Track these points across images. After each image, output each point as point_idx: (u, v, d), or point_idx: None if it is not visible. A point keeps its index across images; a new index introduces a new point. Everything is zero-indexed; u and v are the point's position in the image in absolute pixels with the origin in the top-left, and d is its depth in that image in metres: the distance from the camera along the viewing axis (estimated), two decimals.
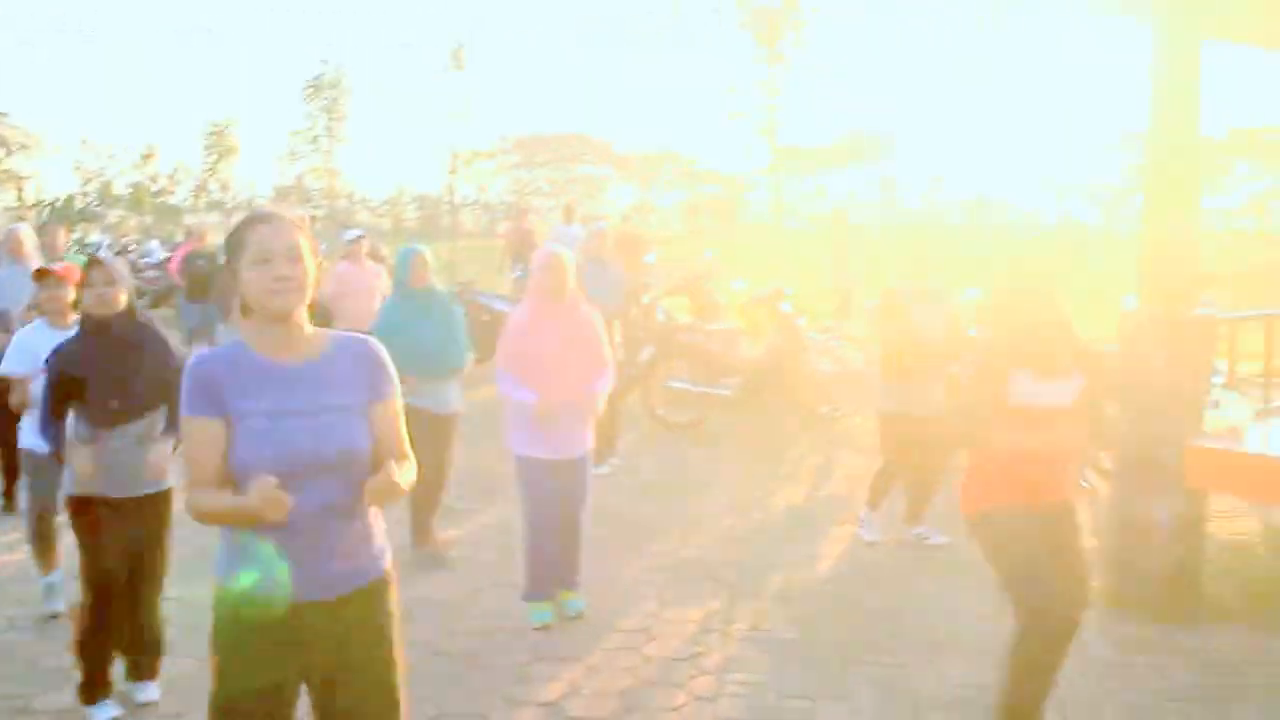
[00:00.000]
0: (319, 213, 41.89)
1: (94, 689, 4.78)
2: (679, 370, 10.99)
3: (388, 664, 2.95)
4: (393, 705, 2.96)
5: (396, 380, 2.97)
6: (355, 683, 2.90)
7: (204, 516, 2.72)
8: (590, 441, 5.93)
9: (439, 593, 6.36)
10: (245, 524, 2.69)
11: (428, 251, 7.14)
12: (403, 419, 2.98)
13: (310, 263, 2.78)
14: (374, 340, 2.99)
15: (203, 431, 2.73)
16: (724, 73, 47.99)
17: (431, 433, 6.63)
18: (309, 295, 2.79)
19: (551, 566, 5.90)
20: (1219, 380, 6.32)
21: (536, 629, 5.78)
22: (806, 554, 7.06)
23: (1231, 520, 7.47)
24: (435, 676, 5.19)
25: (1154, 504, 5.82)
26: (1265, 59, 7.97)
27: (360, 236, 11.18)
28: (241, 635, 2.80)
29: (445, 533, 7.31)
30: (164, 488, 4.79)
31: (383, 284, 10.43)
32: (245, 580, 2.75)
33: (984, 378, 4.24)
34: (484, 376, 6.69)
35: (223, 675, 2.83)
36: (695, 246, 25.07)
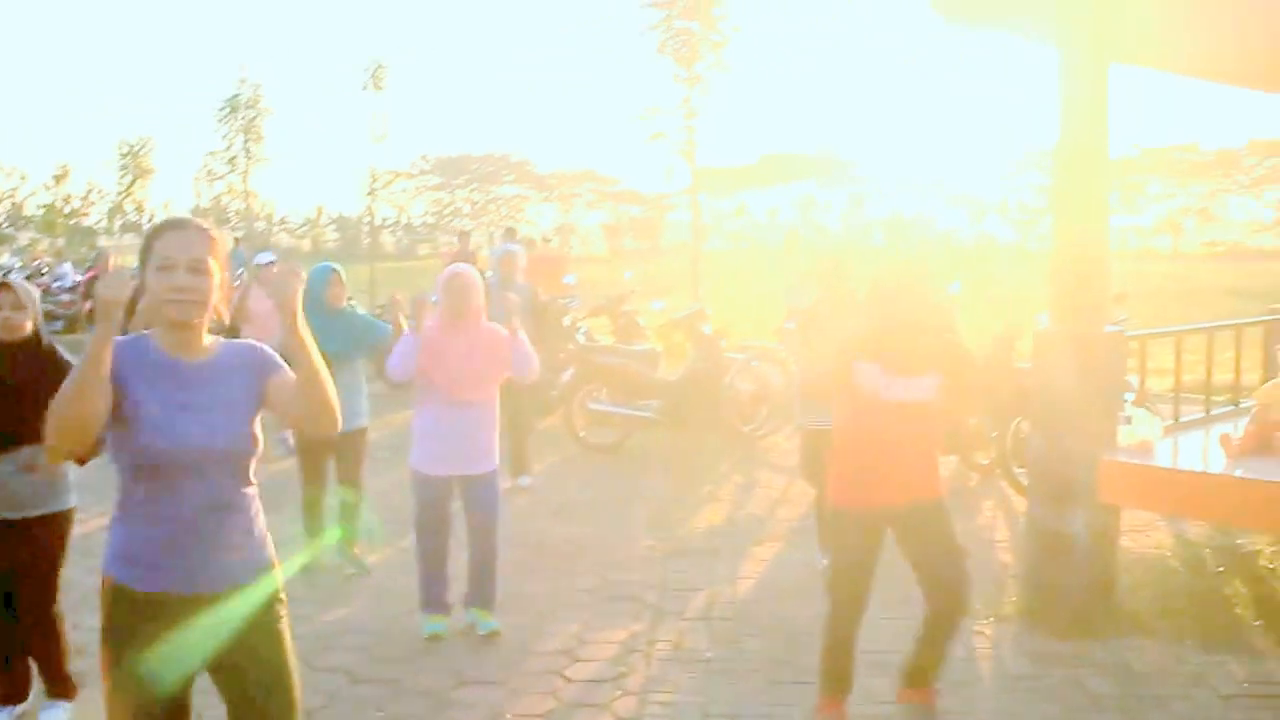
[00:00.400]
0: (237, 234, 41.35)
1: None
2: (600, 392, 10.98)
3: (282, 651, 3.04)
4: (289, 690, 3.05)
5: (283, 362, 3.06)
6: (253, 671, 2.99)
7: (65, 392, 2.70)
8: (495, 458, 5.99)
9: (360, 618, 6.28)
10: (98, 359, 2.68)
11: (343, 271, 7.22)
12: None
13: (216, 277, 2.88)
14: (257, 344, 3.11)
15: None
16: (644, 94, 48.04)
17: (338, 449, 6.98)
18: (210, 308, 2.90)
19: (440, 580, 6.01)
20: (1130, 396, 6.43)
21: (427, 639, 5.85)
22: (729, 573, 7.07)
23: (1146, 534, 7.62)
24: (357, 703, 5.12)
25: (1068, 519, 5.91)
26: (1176, 80, 8.19)
27: (272, 261, 11.05)
28: (135, 630, 2.85)
29: (367, 557, 7.25)
30: (56, 509, 4.70)
31: None
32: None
33: (835, 361, 4.47)
34: (407, 400, 6.63)
35: (116, 670, 2.87)
36: (616, 267, 25.11)
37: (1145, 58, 7.02)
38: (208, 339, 2.97)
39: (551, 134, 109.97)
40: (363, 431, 7.20)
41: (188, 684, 2.95)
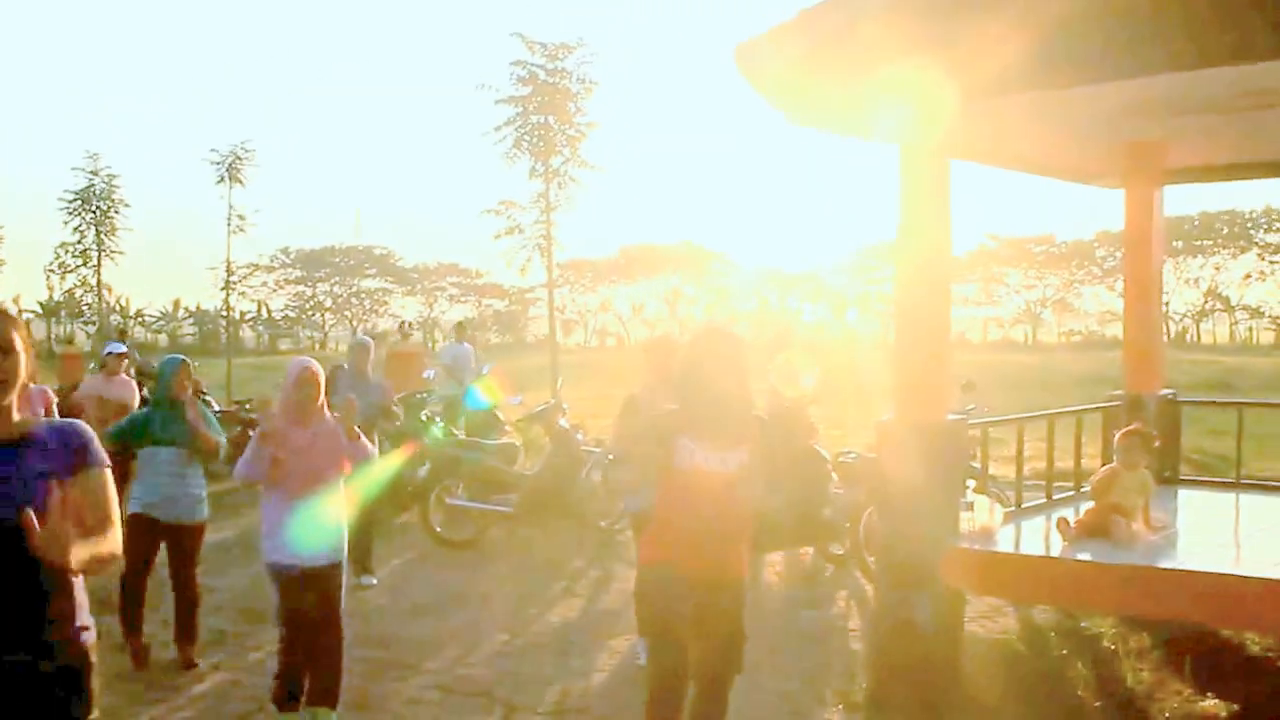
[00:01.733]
0: (89, 328, 40.12)
1: None
2: (458, 487, 10.85)
3: None
4: None
5: (104, 458, 3.02)
6: None
7: None
8: (339, 553, 5.92)
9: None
10: None
11: (193, 364, 7.20)
12: (111, 493, 3.02)
13: (22, 357, 2.88)
14: (82, 424, 3.07)
15: None
16: (500, 188, 48.30)
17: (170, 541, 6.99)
18: (16, 387, 2.89)
19: (296, 673, 5.87)
20: (972, 484, 6.59)
21: None
22: (582, 667, 6.99)
23: (993, 620, 7.76)
24: None
25: (914, 605, 6.00)
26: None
27: (122, 352, 10.83)
28: None
29: (214, 658, 7.05)
30: None
31: (135, 399, 10.22)
32: None
33: (654, 437, 4.62)
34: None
35: None
36: (479, 362, 25.00)
37: (982, 155, 7.32)
38: (17, 416, 2.93)
39: (415, 226, 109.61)
40: (199, 527, 7.13)
41: None
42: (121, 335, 31.75)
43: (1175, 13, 5.26)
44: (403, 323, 24.20)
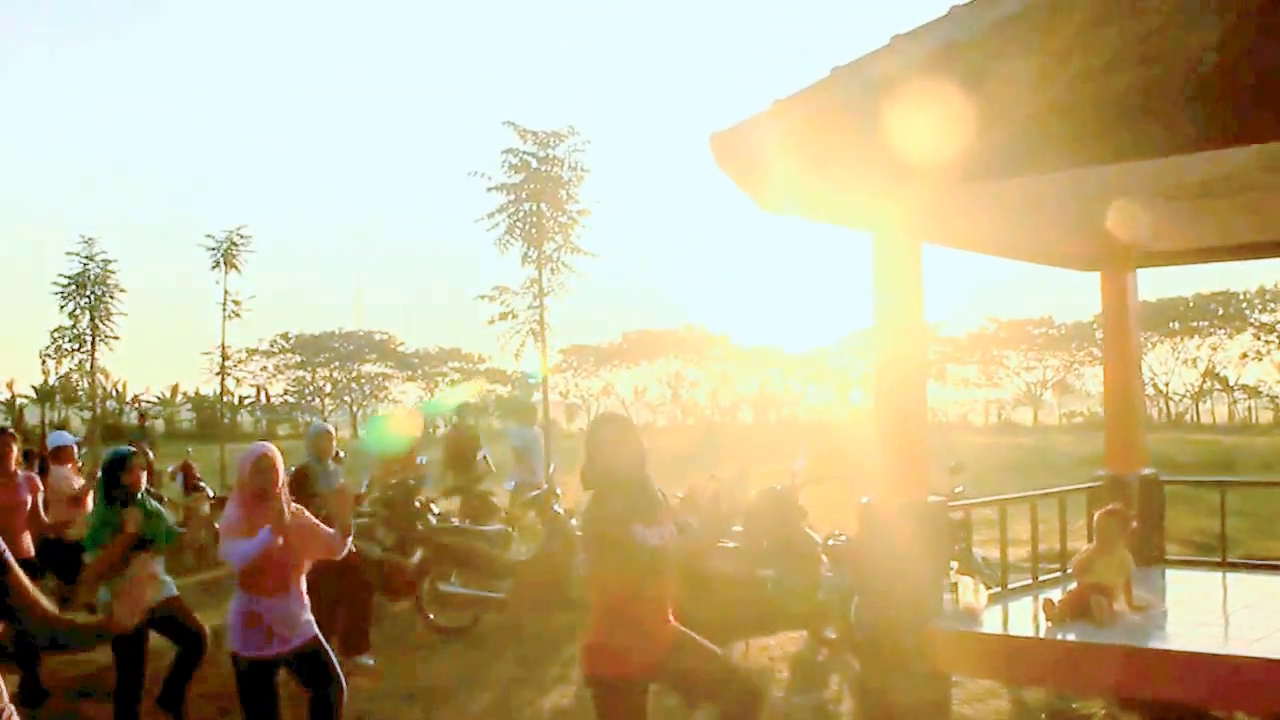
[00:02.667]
0: (84, 415, 40.05)
1: None
2: (451, 573, 10.85)
3: None
4: None
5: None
6: None
7: None
8: (312, 629, 5.96)
9: None
10: None
11: (140, 455, 7.21)
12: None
13: None
14: None
15: None
16: (495, 273, 48.57)
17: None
18: None
19: None
20: (955, 565, 6.62)
21: None
22: None
23: (985, 702, 7.72)
24: None
25: (900, 687, 6.01)
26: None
27: (72, 444, 10.82)
28: None
29: None
30: None
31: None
32: None
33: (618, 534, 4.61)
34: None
35: None
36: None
37: (956, 240, 7.45)
38: None
39: (416, 311, 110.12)
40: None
41: None
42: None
43: (1139, 103, 5.40)
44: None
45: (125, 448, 7.16)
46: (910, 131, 5.49)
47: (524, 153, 18.07)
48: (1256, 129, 5.21)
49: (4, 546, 3.13)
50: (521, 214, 17.86)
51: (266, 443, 6.23)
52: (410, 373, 61.12)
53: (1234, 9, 5.14)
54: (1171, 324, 48.20)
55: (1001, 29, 5.42)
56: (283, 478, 5.91)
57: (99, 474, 6.96)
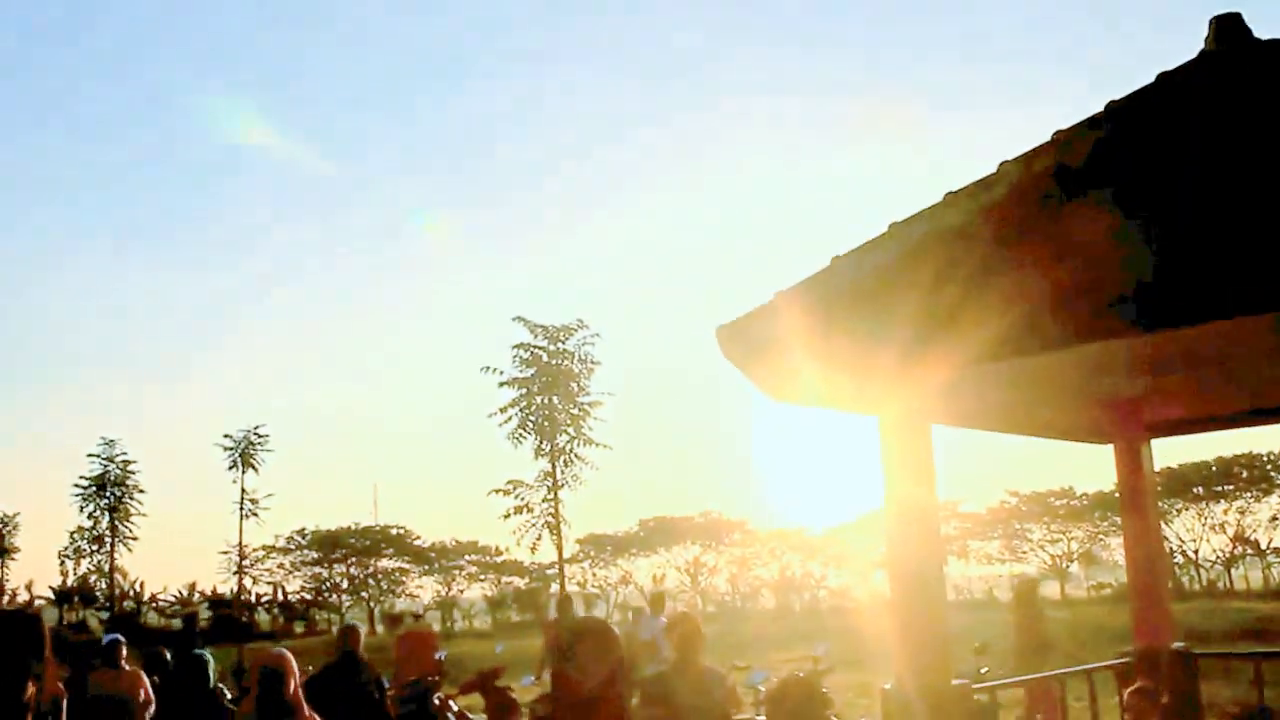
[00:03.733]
0: (103, 614, 39.66)
1: None
2: None
3: None
4: None
5: None
6: None
7: None
8: None
9: None
10: None
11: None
12: None
13: None
14: None
15: None
16: (509, 467, 48.68)
17: None
18: None
19: None
20: None
21: None
22: None
23: None
24: None
25: None
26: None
27: (118, 641, 10.83)
28: None
29: None
30: None
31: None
32: None
33: None
34: None
35: None
36: (499, 641, 24.65)
37: (965, 420, 7.49)
38: None
39: (432, 505, 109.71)
40: None
41: None
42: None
43: (1135, 279, 5.48)
44: (412, 613, 23.97)
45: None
46: (910, 322, 5.58)
47: (535, 347, 18.35)
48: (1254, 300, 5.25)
49: None
50: (534, 407, 18.04)
51: (282, 649, 6.21)
52: (427, 567, 60.62)
53: None
54: (1195, 489, 47.73)
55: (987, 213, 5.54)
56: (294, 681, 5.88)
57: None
